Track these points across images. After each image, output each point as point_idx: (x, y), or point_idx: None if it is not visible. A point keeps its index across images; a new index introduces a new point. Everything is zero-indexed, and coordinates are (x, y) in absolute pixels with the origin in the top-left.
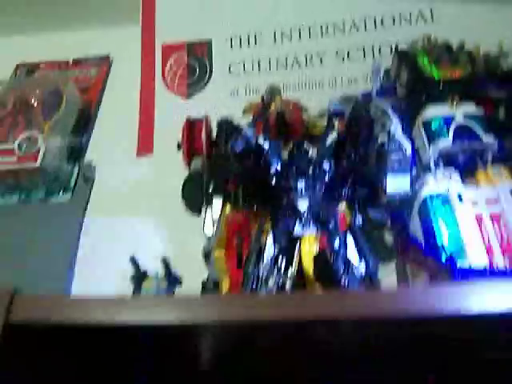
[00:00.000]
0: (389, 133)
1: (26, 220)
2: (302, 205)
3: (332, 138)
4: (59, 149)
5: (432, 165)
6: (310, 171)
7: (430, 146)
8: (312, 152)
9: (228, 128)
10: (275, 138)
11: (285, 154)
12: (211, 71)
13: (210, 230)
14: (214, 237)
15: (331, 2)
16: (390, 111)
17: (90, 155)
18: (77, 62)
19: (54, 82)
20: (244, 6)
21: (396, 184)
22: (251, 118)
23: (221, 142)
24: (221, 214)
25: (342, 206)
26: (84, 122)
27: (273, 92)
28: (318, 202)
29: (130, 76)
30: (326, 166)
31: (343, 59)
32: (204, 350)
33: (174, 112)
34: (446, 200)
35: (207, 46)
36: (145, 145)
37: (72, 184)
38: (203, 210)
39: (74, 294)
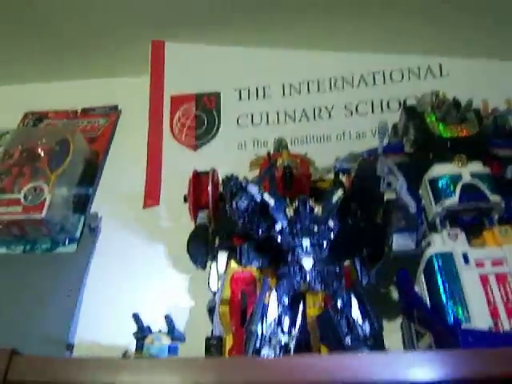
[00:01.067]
0: (395, 191)
1: (31, 270)
2: (307, 262)
3: (338, 195)
4: (65, 199)
5: (438, 223)
6: (316, 229)
7: (436, 204)
8: (317, 209)
9: (233, 185)
10: (282, 192)
11: (290, 211)
12: (219, 123)
13: (215, 284)
14: (218, 292)
15: (340, 57)
16: (395, 170)
17: (96, 206)
18: (85, 112)
19: (62, 132)
20: (253, 58)
21: (402, 242)
22: (258, 172)
23: (226, 198)
24: (226, 270)
25: (347, 263)
26: (91, 173)
27: (280, 145)
28: (323, 259)
29: (138, 126)
30: (331, 223)
31: (351, 113)
32: None
33: (181, 163)
34: (451, 260)
35: (216, 97)
36: (151, 196)
37: (78, 235)
38: (208, 264)
39: (68, 357)
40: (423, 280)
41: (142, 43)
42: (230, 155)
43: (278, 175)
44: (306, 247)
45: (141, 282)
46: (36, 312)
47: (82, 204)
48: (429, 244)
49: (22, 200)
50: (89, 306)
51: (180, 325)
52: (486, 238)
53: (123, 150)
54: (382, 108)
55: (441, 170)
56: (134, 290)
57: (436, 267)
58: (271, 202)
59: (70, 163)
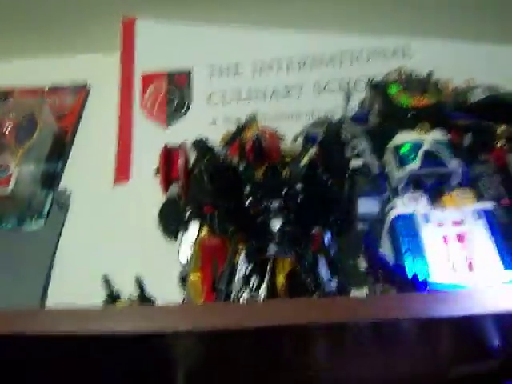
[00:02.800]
0: (358, 155)
1: None
2: (275, 225)
3: (305, 159)
4: (32, 175)
5: (401, 188)
6: (283, 192)
7: (399, 170)
8: (285, 173)
9: (202, 147)
10: (251, 163)
11: (258, 174)
12: (191, 100)
13: (185, 255)
14: (189, 261)
15: (310, 37)
16: (359, 134)
17: (65, 182)
18: (53, 90)
19: (29, 106)
20: (224, 36)
21: (366, 206)
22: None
23: (196, 162)
24: (196, 239)
25: (317, 229)
26: (59, 149)
27: (249, 119)
28: (291, 223)
29: (108, 104)
30: (298, 186)
31: (320, 92)
32: (176, 362)
33: (152, 140)
34: (413, 220)
35: (187, 75)
36: (122, 172)
37: (46, 211)
38: (179, 235)
39: (37, 308)
40: (387, 241)
41: (112, 20)
42: (202, 132)
43: (248, 147)
44: (274, 210)
45: (111, 257)
46: (3, 289)
47: (50, 180)
48: (392, 208)
49: None
50: (58, 282)
51: (150, 292)
52: (446, 202)
53: (93, 127)
54: (349, 88)
55: (404, 138)
56: (104, 265)
57: (399, 228)
58: (240, 165)
59: (38, 138)
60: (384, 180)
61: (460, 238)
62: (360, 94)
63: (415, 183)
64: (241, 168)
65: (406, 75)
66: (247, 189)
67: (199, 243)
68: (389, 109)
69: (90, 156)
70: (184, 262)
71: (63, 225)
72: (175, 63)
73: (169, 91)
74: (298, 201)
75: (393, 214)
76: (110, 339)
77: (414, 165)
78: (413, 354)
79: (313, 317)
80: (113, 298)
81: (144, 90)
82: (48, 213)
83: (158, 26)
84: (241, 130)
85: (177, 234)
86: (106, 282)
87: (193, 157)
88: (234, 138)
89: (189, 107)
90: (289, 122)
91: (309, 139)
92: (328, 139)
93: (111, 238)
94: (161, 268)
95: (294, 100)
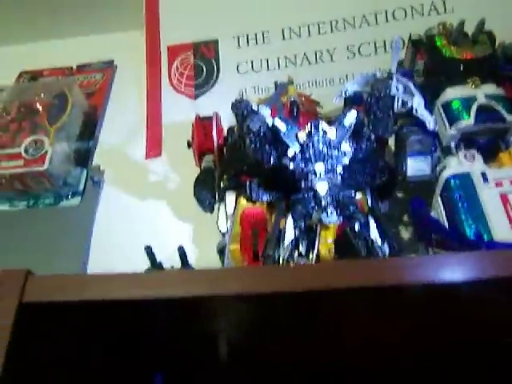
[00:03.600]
0: (410, 110)
1: (35, 225)
2: (321, 188)
3: (351, 118)
4: (66, 153)
5: (453, 147)
6: (329, 153)
7: (450, 127)
8: (330, 133)
9: (244, 107)
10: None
11: (303, 136)
12: (218, 71)
13: (224, 225)
14: (228, 232)
15: None
16: (412, 87)
17: (98, 159)
18: (80, 68)
19: (59, 86)
20: (251, 3)
21: (417, 166)
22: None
23: (237, 124)
24: (235, 209)
25: (359, 195)
26: (90, 127)
27: (287, 82)
28: (338, 185)
29: (136, 80)
30: (345, 147)
31: (354, 55)
32: (222, 325)
33: (181, 113)
34: (469, 179)
35: (214, 45)
36: (153, 147)
37: (81, 188)
38: (216, 206)
39: (88, 274)
40: (440, 203)
41: None
42: (231, 103)
43: (285, 110)
44: (320, 173)
45: (147, 232)
46: (43, 264)
47: (83, 158)
48: (444, 168)
49: (23, 153)
50: (97, 257)
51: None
52: (503, 159)
53: (122, 104)
54: (385, 48)
55: (454, 93)
56: (142, 239)
57: (454, 188)
58: (282, 126)
59: (69, 117)
60: (434, 138)
61: None
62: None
63: (468, 141)
64: (284, 128)
65: (451, 28)
66: (291, 151)
67: (238, 213)
68: (436, 63)
69: (120, 132)
70: (223, 231)
71: (99, 200)
72: (201, 33)
73: (196, 63)
74: (345, 162)
75: (446, 174)
76: (159, 303)
77: (468, 121)
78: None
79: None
80: (156, 267)
81: (170, 63)
82: (83, 189)
83: None
84: (281, 87)
85: (213, 205)
86: (149, 252)
87: (226, 124)
88: (273, 101)
89: (217, 78)
90: (321, 89)
91: (353, 97)
92: (376, 95)
93: (147, 212)
94: (198, 240)
95: (326, 65)
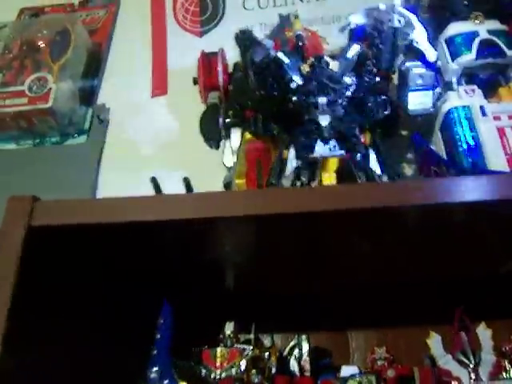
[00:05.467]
0: (411, 43)
1: (42, 163)
2: (324, 120)
3: (354, 50)
4: (71, 91)
5: (455, 82)
6: (332, 85)
7: (452, 62)
8: (333, 65)
9: (247, 38)
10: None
11: (305, 68)
12: (224, 7)
13: (229, 160)
14: (234, 167)
15: None
16: (414, 19)
17: (104, 97)
18: (83, 4)
19: (62, 22)
20: None
21: (418, 100)
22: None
23: (241, 56)
24: (240, 144)
25: (361, 130)
26: (94, 64)
27: (292, 15)
28: (341, 118)
29: (140, 16)
30: (347, 80)
31: None
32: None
33: (187, 50)
34: (468, 112)
35: None
36: (159, 85)
37: (87, 126)
38: (222, 142)
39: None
40: (440, 137)
41: None
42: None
43: (290, 44)
44: (323, 105)
45: (153, 169)
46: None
47: (88, 96)
48: (445, 102)
49: (27, 91)
50: (104, 194)
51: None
52: (502, 94)
53: (126, 41)
54: None
55: (457, 28)
56: (149, 173)
57: (454, 119)
58: (285, 58)
59: (73, 53)
60: (436, 73)
61: None
62: None
63: (469, 76)
64: (286, 60)
65: None
66: (294, 84)
67: (243, 148)
68: None
69: (125, 70)
70: (229, 166)
71: (105, 139)
72: None
73: None
74: (348, 95)
75: (446, 107)
76: (166, 225)
77: (469, 56)
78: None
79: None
80: None
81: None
82: (89, 128)
83: None
84: (285, 21)
85: (219, 141)
86: (154, 182)
87: (232, 61)
88: (276, 33)
89: (223, 14)
90: (328, 26)
91: (357, 31)
92: (378, 28)
93: (153, 150)
94: (205, 175)
95: (332, 2)
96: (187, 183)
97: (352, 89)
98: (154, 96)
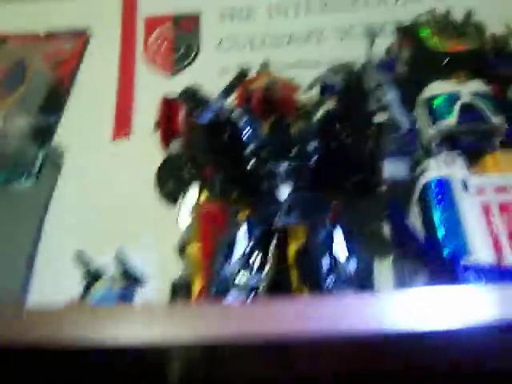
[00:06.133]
0: (384, 107)
1: None
2: (284, 192)
3: (319, 113)
4: (23, 128)
5: (434, 147)
6: (293, 152)
7: (432, 125)
8: (296, 129)
9: (192, 97)
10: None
11: (264, 130)
12: (199, 47)
13: (184, 221)
14: (188, 230)
15: None
16: (386, 82)
17: (60, 137)
18: (49, 35)
19: (18, 53)
20: None
21: (394, 168)
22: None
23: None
24: (196, 203)
25: (334, 196)
26: (54, 100)
27: (261, 67)
28: (303, 188)
29: (110, 51)
30: (312, 146)
31: (343, 38)
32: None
33: (156, 91)
34: (448, 187)
35: (196, 18)
36: (122, 127)
37: (36, 169)
38: (179, 198)
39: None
40: (417, 210)
41: None
42: (211, 82)
43: (256, 97)
44: (283, 173)
45: (106, 217)
46: None
47: (43, 134)
48: (423, 171)
49: None
50: (47, 250)
51: (147, 267)
52: (487, 164)
53: (93, 77)
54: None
55: (437, 89)
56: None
57: (431, 195)
58: (241, 118)
59: (29, 87)
60: (414, 137)
61: (504, 208)
62: (386, 40)
63: (450, 142)
64: (242, 121)
65: (440, 17)
66: (250, 147)
67: (198, 209)
68: (420, 54)
69: (88, 108)
70: (184, 227)
71: (55, 184)
72: (182, 5)
73: (175, 37)
74: (311, 162)
75: (425, 178)
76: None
77: (450, 120)
78: None
79: None
80: (91, 276)
81: (148, 35)
82: (39, 171)
83: None
84: (241, 76)
85: (176, 196)
86: (80, 257)
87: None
88: (233, 87)
89: (197, 54)
90: (307, 72)
91: (326, 88)
92: (348, 88)
93: (107, 201)
94: (160, 233)
95: (313, 46)
96: (121, 260)
97: (318, 153)
98: (116, 138)
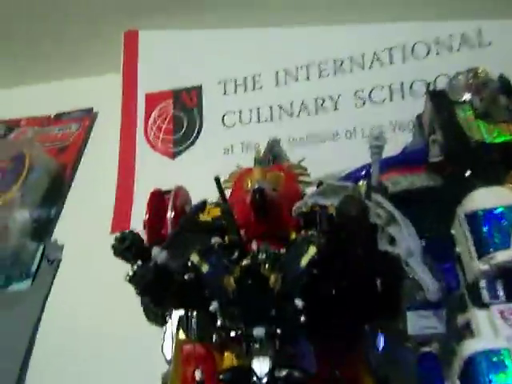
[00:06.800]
0: (399, 260)
1: None
2: (261, 366)
3: (308, 255)
4: (21, 225)
5: (483, 288)
6: (274, 312)
7: (479, 258)
8: (275, 279)
9: (131, 243)
10: (254, 228)
11: (230, 282)
12: (201, 124)
13: (169, 352)
14: (170, 364)
15: (345, 31)
16: (397, 215)
17: (60, 230)
18: (58, 117)
19: (17, 145)
20: (238, 42)
21: (421, 323)
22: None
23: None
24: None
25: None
26: (57, 189)
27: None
28: (286, 360)
29: (113, 133)
30: (298, 302)
31: (364, 102)
32: None
33: (157, 176)
34: (503, 363)
35: (197, 92)
36: (120, 220)
37: (34, 268)
38: (167, 320)
39: None
40: None
41: (116, 36)
42: (215, 163)
43: (248, 201)
44: (261, 340)
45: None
46: None
47: (42, 229)
48: (468, 326)
49: None
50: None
51: None
52: None
53: (96, 162)
54: (403, 94)
55: (485, 200)
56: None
57: (480, 372)
58: (204, 267)
59: (27, 181)
60: (453, 269)
61: None
62: (417, 102)
63: (509, 279)
64: (205, 270)
65: (485, 82)
66: (214, 305)
67: (179, 349)
68: (457, 144)
69: (88, 197)
70: (168, 358)
71: (52, 284)
72: (183, 79)
73: (175, 114)
74: (300, 322)
75: (470, 348)
76: None
77: (507, 252)
78: None
79: None
80: None
81: (148, 113)
82: (36, 270)
83: (162, 36)
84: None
85: (164, 319)
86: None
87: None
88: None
89: (199, 132)
90: (324, 145)
91: (313, 219)
92: (346, 220)
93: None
94: (147, 360)
95: (329, 115)
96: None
97: (306, 312)
98: (115, 231)
